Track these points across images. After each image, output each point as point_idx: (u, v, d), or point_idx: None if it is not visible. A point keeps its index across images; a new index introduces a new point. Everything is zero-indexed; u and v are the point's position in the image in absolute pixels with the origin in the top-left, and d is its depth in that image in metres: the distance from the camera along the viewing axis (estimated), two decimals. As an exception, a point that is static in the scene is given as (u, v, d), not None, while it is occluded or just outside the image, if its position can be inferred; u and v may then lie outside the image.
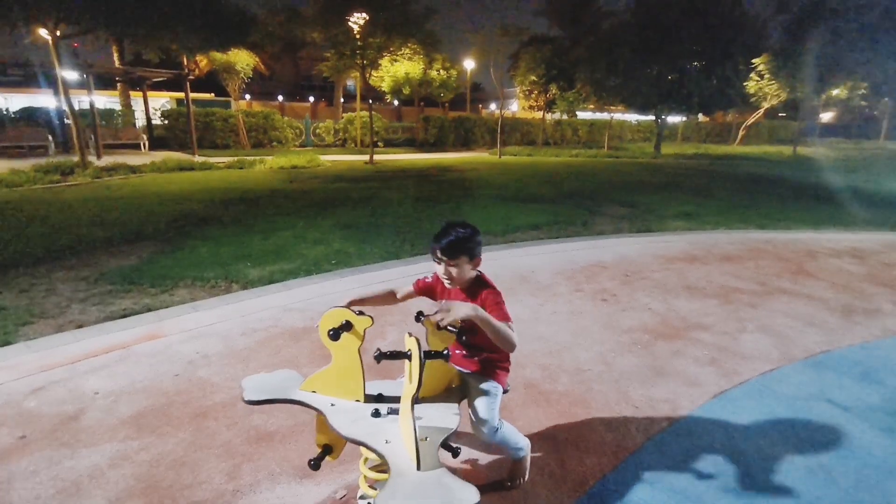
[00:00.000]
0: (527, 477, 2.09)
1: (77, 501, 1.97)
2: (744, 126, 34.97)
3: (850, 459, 2.33)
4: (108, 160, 14.47)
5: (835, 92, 28.42)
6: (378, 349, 1.55)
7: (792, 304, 4.38)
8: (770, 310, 4.22)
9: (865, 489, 2.14)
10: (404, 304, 3.91)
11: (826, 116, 36.75)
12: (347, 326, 1.67)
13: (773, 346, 3.52)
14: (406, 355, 1.53)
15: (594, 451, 2.34)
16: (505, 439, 1.93)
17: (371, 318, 1.70)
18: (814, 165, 20.33)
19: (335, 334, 1.65)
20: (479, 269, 1.93)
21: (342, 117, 27.34)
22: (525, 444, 2.03)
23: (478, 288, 1.89)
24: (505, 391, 1.99)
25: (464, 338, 1.70)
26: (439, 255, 1.84)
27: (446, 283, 1.90)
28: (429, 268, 5.46)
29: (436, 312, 1.63)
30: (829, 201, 10.84)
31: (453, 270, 1.84)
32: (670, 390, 2.90)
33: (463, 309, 1.64)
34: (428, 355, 1.52)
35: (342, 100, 33.86)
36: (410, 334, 1.55)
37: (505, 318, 1.79)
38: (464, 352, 1.99)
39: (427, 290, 2.03)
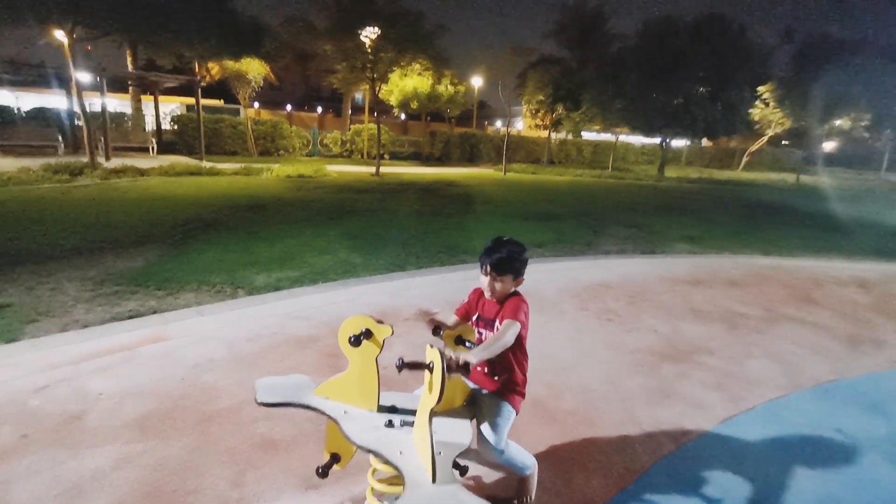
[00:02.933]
0: (533, 496, 2.07)
1: (78, 503, 1.95)
2: (747, 152, 35.17)
3: (861, 490, 2.30)
4: (116, 162, 14.55)
5: (838, 122, 28.63)
6: (400, 358, 1.55)
7: (798, 331, 4.37)
8: (776, 336, 4.21)
9: (876, 522, 2.11)
10: (412, 316, 3.91)
11: (828, 146, 36.92)
12: (368, 334, 1.67)
13: (780, 373, 3.51)
14: (428, 367, 1.53)
15: (601, 471, 2.32)
16: (510, 460, 1.91)
17: (391, 327, 1.70)
18: (817, 194, 20.39)
19: (356, 340, 1.65)
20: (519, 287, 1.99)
21: (350, 129, 27.56)
22: (532, 463, 2.01)
23: (510, 298, 1.95)
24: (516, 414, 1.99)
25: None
26: (488, 269, 1.91)
27: (487, 294, 1.97)
28: (434, 281, 5.41)
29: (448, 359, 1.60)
30: (834, 230, 10.86)
31: (497, 285, 1.92)
32: (677, 413, 2.88)
33: (466, 359, 1.61)
34: (450, 369, 1.52)
35: (350, 112, 34.14)
36: (432, 346, 1.55)
37: (511, 316, 1.82)
38: (485, 370, 2.00)
39: (466, 313, 2.07)
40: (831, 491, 2.28)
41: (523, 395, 2.02)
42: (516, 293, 1.99)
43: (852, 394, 3.27)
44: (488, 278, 1.92)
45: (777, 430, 2.78)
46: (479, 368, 2.01)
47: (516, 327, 1.79)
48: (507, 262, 1.90)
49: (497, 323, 1.94)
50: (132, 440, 2.34)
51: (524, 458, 1.97)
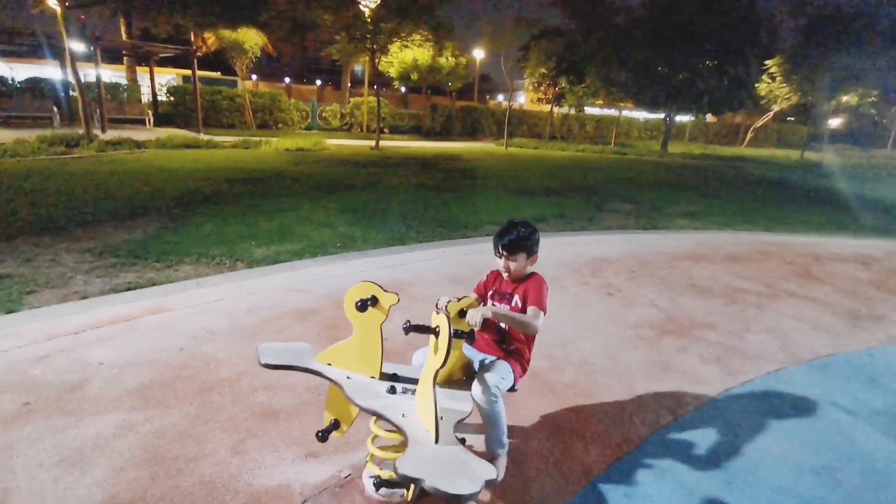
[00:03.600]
0: (500, 479, 1.97)
1: (81, 469, 1.96)
2: (752, 128, 34.78)
3: (855, 462, 2.32)
4: (112, 134, 14.39)
5: (845, 98, 28.18)
6: (408, 321, 1.56)
7: (798, 306, 4.37)
8: (776, 311, 4.21)
9: (870, 492, 2.14)
10: (412, 289, 3.93)
11: (834, 122, 36.47)
12: (374, 301, 1.66)
13: (778, 347, 3.52)
14: (434, 331, 1.53)
15: (598, 442, 2.33)
16: (498, 415, 1.87)
17: (397, 295, 1.69)
18: (821, 171, 20.24)
19: (362, 306, 1.65)
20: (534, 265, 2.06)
21: (349, 102, 27.17)
22: (506, 443, 1.98)
23: (529, 276, 2.03)
24: (514, 389, 2.01)
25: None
26: (501, 250, 1.98)
27: (504, 275, 2.05)
28: (434, 255, 5.40)
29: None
30: (837, 207, 10.80)
31: (512, 265, 1.99)
32: (675, 386, 2.89)
33: (480, 313, 1.76)
34: (457, 334, 1.53)
35: (349, 84, 33.58)
36: (438, 312, 1.55)
37: (537, 303, 1.90)
38: (495, 338, 2.03)
39: (484, 291, 2.13)
40: (826, 462, 2.30)
41: (525, 370, 2.05)
42: (534, 273, 2.03)
43: (850, 368, 3.28)
44: (503, 259, 2.00)
45: (774, 402, 2.80)
46: (486, 336, 2.04)
47: (542, 317, 1.88)
48: (517, 242, 1.97)
49: (516, 297, 1.99)
50: (133, 409, 2.35)
51: (505, 426, 1.92)
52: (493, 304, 2.04)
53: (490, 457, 1.98)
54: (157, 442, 2.13)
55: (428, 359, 1.59)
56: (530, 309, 1.90)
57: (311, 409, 2.40)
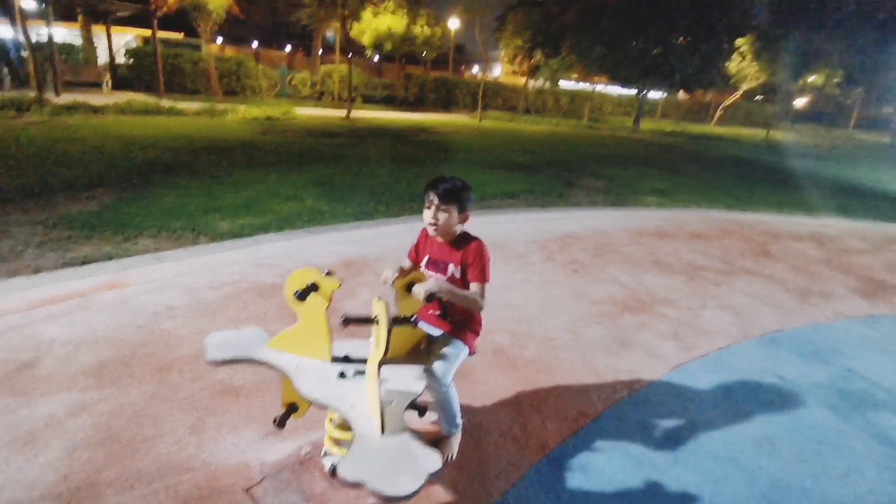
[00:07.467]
0: (454, 456, 2.03)
1: (33, 450, 1.92)
2: (722, 106, 35.28)
3: (795, 433, 2.47)
4: (67, 98, 13.63)
5: (811, 78, 28.82)
6: (345, 314, 1.53)
7: (753, 283, 4.54)
8: (732, 288, 4.37)
9: (806, 461, 2.28)
10: (379, 264, 3.90)
11: (800, 102, 37.37)
12: (314, 288, 1.63)
13: (731, 323, 3.66)
14: (373, 320, 1.51)
15: (556, 416, 2.41)
16: (449, 400, 1.90)
17: (340, 280, 1.66)
18: (785, 150, 20.79)
19: (301, 295, 1.62)
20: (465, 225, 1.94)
21: (320, 69, 26.32)
22: (460, 423, 2.01)
23: (465, 242, 1.90)
24: (471, 354, 1.99)
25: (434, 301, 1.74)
26: (433, 196, 1.84)
27: (430, 230, 1.89)
28: (403, 230, 5.35)
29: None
30: (797, 186, 11.15)
31: (441, 216, 1.84)
32: (633, 361, 2.99)
33: (426, 286, 1.65)
34: (396, 321, 1.51)
35: (321, 51, 32.45)
36: (379, 298, 1.52)
37: (482, 279, 1.83)
38: (438, 312, 1.98)
39: (416, 254, 2.04)
40: (768, 433, 2.44)
41: (478, 333, 2.02)
42: (471, 237, 1.92)
43: (796, 343, 3.45)
44: (432, 210, 1.85)
45: (723, 376, 2.93)
46: (430, 312, 1.99)
47: (485, 292, 1.83)
48: (452, 192, 1.84)
49: (451, 266, 1.89)
50: (87, 388, 2.30)
51: (458, 409, 1.97)
52: (428, 276, 1.94)
53: (444, 435, 2.02)
54: (112, 422, 2.10)
55: (372, 348, 1.58)
56: (474, 286, 1.82)
57: (273, 387, 2.39)
